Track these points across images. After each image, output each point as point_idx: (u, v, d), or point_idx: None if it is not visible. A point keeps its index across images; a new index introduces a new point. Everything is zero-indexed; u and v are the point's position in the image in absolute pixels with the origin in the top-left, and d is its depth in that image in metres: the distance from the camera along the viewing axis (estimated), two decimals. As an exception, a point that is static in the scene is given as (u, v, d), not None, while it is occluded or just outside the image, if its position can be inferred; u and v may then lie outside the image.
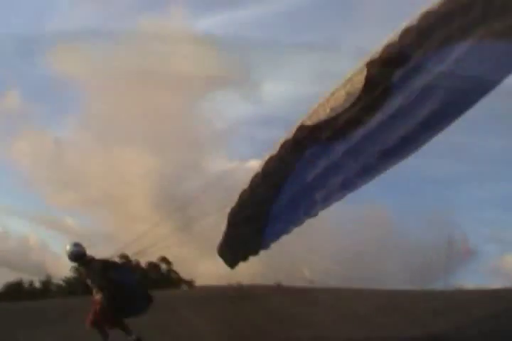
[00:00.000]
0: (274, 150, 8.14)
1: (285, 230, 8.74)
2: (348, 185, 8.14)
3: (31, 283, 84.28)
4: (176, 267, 66.11)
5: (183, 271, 64.13)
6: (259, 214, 8.49)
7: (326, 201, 8.30)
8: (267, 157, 8.18)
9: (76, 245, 8.53)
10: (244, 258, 9.02)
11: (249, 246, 9.09)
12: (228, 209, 8.52)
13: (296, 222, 8.64)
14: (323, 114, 7.48)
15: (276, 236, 8.86)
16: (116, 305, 8.45)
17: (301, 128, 7.84)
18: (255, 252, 9.10)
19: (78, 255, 8.57)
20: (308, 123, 7.69)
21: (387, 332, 10.26)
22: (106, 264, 8.56)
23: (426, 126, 7.36)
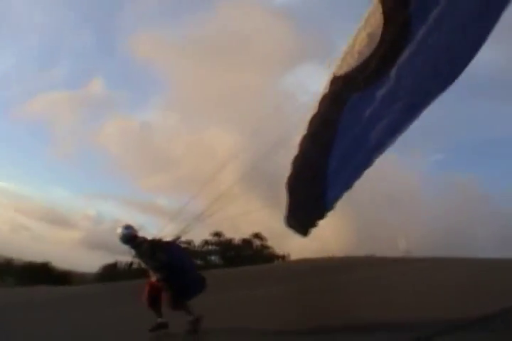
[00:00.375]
0: (314, 108, 7.75)
1: (346, 186, 8.28)
2: (396, 127, 7.76)
3: (128, 264, 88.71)
4: (269, 243, 67.37)
5: (277, 246, 64.89)
6: (316, 176, 8.17)
7: (380, 148, 7.93)
8: (309, 118, 7.83)
9: (127, 228, 8.50)
10: (314, 224, 8.70)
11: (314, 210, 8.59)
12: (285, 179, 8.22)
13: (355, 175, 8.23)
14: (352, 61, 7.31)
15: (338, 194, 8.40)
16: (173, 285, 8.43)
17: (335, 80, 7.57)
18: (322, 215, 8.60)
19: (128, 237, 8.51)
20: (341, 73, 7.45)
21: (481, 301, 9.69)
22: (153, 246, 8.49)
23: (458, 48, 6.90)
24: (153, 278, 8.63)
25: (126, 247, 8.61)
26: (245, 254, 61.73)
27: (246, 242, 67.02)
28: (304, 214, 8.70)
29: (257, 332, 8.84)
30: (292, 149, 8.16)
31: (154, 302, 8.68)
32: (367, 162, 8.13)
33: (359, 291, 13.71)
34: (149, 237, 8.79)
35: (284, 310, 11.33)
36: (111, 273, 76.64)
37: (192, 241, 72.05)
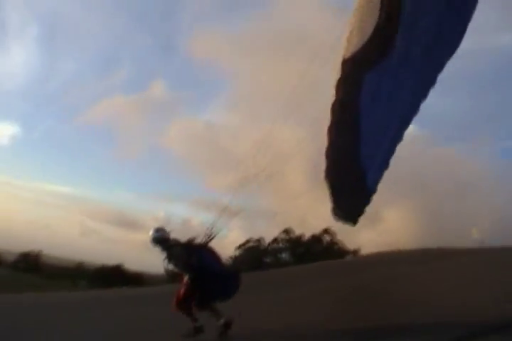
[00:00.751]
0: (333, 96, 7.78)
1: (383, 166, 8.31)
2: (417, 94, 7.79)
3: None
4: (339, 238, 66.86)
5: (347, 241, 64.39)
6: (352, 162, 8.18)
7: (406, 118, 8.01)
8: (330, 109, 7.85)
9: (158, 230, 8.63)
10: (361, 211, 8.68)
11: (359, 197, 8.62)
12: (323, 174, 8.19)
13: (389, 153, 8.25)
14: (357, 41, 7.39)
15: (378, 175, 8.41)
16: (201, 289, 8.52)
17: (345, 63, 7.62)
18: (368, 200, 8.61)
19: (159, 240, 8.72)
20: (348, 55, 7.51)
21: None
22: (186, 250, 8.65)
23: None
24: (185, 278, 8.68)
25: (158, 249, 8.88)
26: (315, 250, 61.60)
27: (316, 238, 66.77)
28: (349, 202, 8.69)
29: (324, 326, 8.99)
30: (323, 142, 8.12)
31: (187, 306, 8.74)
32: (397, 136, 8.20)
33: (431, 283, 13.58)
34: (183, 240, 9.03)
35: (350, 305, 11.36)
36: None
37: (262, 238, 72.59)
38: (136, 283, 56.19)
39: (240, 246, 72.25)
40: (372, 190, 8.51)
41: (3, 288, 41.92)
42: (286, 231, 67.89)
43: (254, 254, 67.38)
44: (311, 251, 60.98)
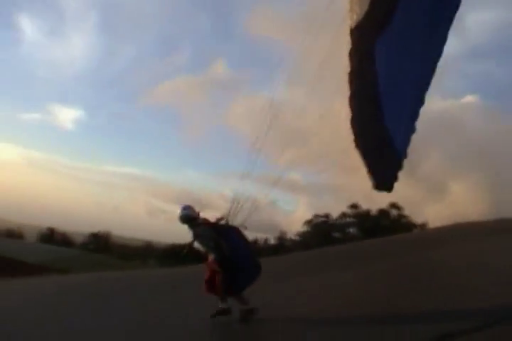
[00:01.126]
0: (347, 67, 7.66)
1: (410, 130, 8.24)
2: (431, 52, 7.80)
3: (266, 241, 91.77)
4: (406, 211, 66.00)
5: (414, 214, 63.29)
6: (378, 131, 8.02)
7: (426, 78, 7.95)
8: (347, 80, 7.71)
9: (185, 208, 8.42)
10: (396, 177, 8.48)
11: (391, 164, 8.46)
12: (353, 145, 7.96)
13: (414, 117, 8.18)
14: (360, 8, 7.34)
15: (407, 140, 8.39)
16: (228, 274, 8.19)
17: (353, 33, 7.50)
18: (400, 166, 8.44)
19: (186, 218, 8.49)
20: (355, 24, 7.42)
21: None
22: (216, 230, 8.36)
23: None
24: (211, 258, 8.40)
25: (186, 227, 8.69)
26: (383, 225, 61.07)
27: (383, 212, 66.34)
28: (382, 170, 8.43)
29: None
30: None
31: (215, 288, 8.53)
32: (418, 100, 8.19)
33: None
34: (212, 219, 8.90)
35: (417, 284, 10.68)
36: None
37: (329, 214, 72.84)
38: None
39: (308, 222, 72.92)
40: (402, 155, 8.53)
41: (75, 268, 43.28)
42: (354, 206, 67.78)
43: (322, 230, 67.98)
44: (379, 226, 60.37)
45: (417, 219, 63.05)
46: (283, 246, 76.26)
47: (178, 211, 8.62)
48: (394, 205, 64.60)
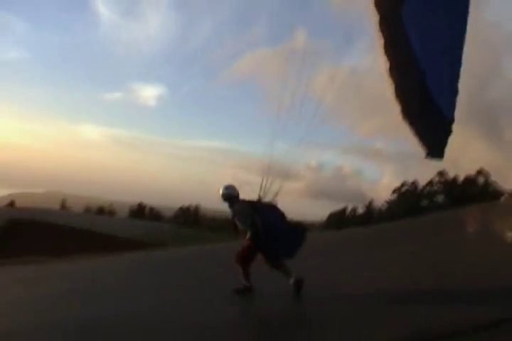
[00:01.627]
0: (379, 39, 7.63)
1: (453, 93, 8.07)
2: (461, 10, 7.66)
3: (354, 210, 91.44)
4: (493, 178, 64.04)
5: (502, 181, 61.38)
6: (423, 98, 8.06)
7: (460, 39, 7.85)
8: (383, 51, 7.69)
9: (227, 188, 9.08)
10: (446, 142, 8.41)
11: (440, 129, 8.45)
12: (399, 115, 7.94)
13: (455, 79, 8.02)
14: None
15: (452, 103, 8.16)
16: (263, 246, 8.73)
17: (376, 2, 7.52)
18: (449, 130, 8.39)
19: (227, 197, 9.04)
20: None
21: None
22: (251, 207, 8.89)
23: None
24: (248, 235, 8.85)
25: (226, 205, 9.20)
26: (470, 192, 59.71)
27: (470, 180, 64.93)
28: (432, 137, 8.39)
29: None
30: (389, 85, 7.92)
31: (245, 263, 8.90)
32: (457, 60, 8.04)
33: None
34: (253, 198, 9.19)
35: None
36: (339, 219, 79.93)
37: (417, 181, 72.03)
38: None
39: (395, 190, 72.55)
40: (449, 119, 8.30)
41: (167, 241, 44.62)
42: (441, 173, 66.77)
43: (410, 198, 67.81)
44: (466, 193, 59.20)
45: (505, 186, 61.09)
46: (371, 215, 77.21)
47: (220, 190, 9.19)
48: (481, 172, 63.13)
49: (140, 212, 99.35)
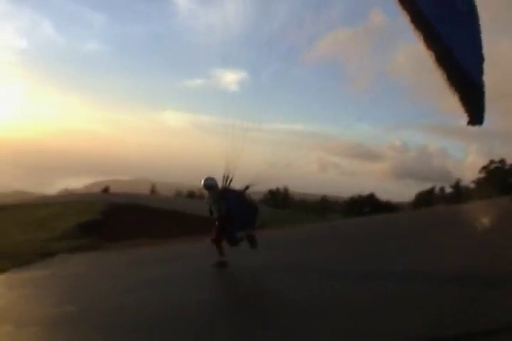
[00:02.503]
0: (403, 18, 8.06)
1: (480, 60, 8.76)
2: None
3: (442, 189, 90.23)
4: None
5: None
6: (455, 67, 8.46)
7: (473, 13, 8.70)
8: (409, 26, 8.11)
9: (207, 179, 10.90)
10: (484, 108, 9.12)
11: (477, 97, 8.98)
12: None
13: (478, 48, 8.80)
14: None
15: (479, 68, 8.77)
16: (227, 228, 10.84)
17: None
18: (483, 95, 8.98)
19: (208, 187, 10.96)
20: None
21: None
22: (221, 194, 11.00)
23: None
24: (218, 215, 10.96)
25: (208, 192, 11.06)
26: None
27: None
28: (472, 104, 8.90)
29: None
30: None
31: (217, 241, 10.86)
32: (477, 27, 8.55)
33: None
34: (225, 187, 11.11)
35: None
36: (427, 199, 79.39)
37: (505, 159, 69.94)
38: (390, 211, 59.63)
39: (483, 168, 71.75)
40: (481, 84, 8.77)
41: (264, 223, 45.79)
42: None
43: (499, 176, 66.78)
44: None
45: None
46: (459, 194, 76.18)
47: (201, 181, 11.04)
48: None
49: None
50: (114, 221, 32.04)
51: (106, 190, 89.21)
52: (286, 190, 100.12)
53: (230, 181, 11.25)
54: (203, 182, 10.95)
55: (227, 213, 10.89)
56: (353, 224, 26.00)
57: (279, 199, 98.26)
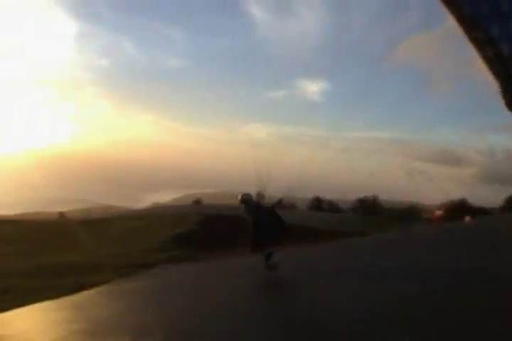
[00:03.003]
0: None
1: None
2: None
3: None
4: None
5: None
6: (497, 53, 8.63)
7: None
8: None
9: (243, 195, 12.38)
10: None
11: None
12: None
13: None
14: None
15: None
16: (253, 236, 11.91)
17: None
18: None
19: (242, 201, 12.36)
20: None
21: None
22: (254, 208, 12.19)
23: None
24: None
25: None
26: None
27: None
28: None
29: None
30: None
31: (257, 249, 12.02)
32: None
33: None
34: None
35: None
36: None
37: None
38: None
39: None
40: None
41: (350, 229, 45.22)
42: None
43: None
44: None
45: None
46: None
47: (238, 196, 12.54)
48: None
49: (318, 205, 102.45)
50: (208, 231, 32.32)
51: (198, 202, 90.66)
52: (374, 197, 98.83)
53: (263, 196, 12.52)
54: (239, 196, 12.43)
55: (254, 226, 12.00)
56: (458, 228, 25.91)
57: (368, 207, 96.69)
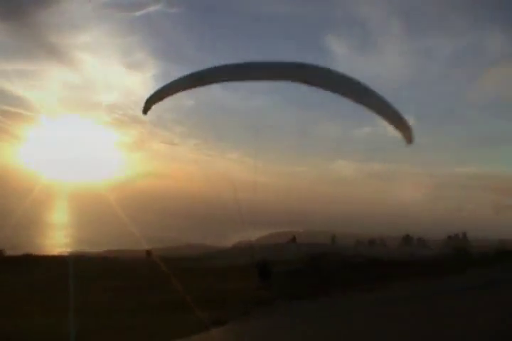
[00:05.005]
0: None
1: None
2: None
3: None
4: None
5: None
6: None
7: None
8: None
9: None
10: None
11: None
12: None
13: None
14: None
15: None
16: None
17: None
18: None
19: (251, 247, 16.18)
20: None
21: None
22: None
23: None
24: None
25: None
26: None
27: None
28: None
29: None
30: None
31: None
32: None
33: None
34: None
35: None
36: None
37: None
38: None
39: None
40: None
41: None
42: None
43: None
44: None
45: None
46: None
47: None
48: None
49: (408, 241, 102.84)
50: (317, 269, 33.48)
51: (293, 240, 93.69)
52: (464, 234, 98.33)
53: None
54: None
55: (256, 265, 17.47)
56: None
57: (458, 244, 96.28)
